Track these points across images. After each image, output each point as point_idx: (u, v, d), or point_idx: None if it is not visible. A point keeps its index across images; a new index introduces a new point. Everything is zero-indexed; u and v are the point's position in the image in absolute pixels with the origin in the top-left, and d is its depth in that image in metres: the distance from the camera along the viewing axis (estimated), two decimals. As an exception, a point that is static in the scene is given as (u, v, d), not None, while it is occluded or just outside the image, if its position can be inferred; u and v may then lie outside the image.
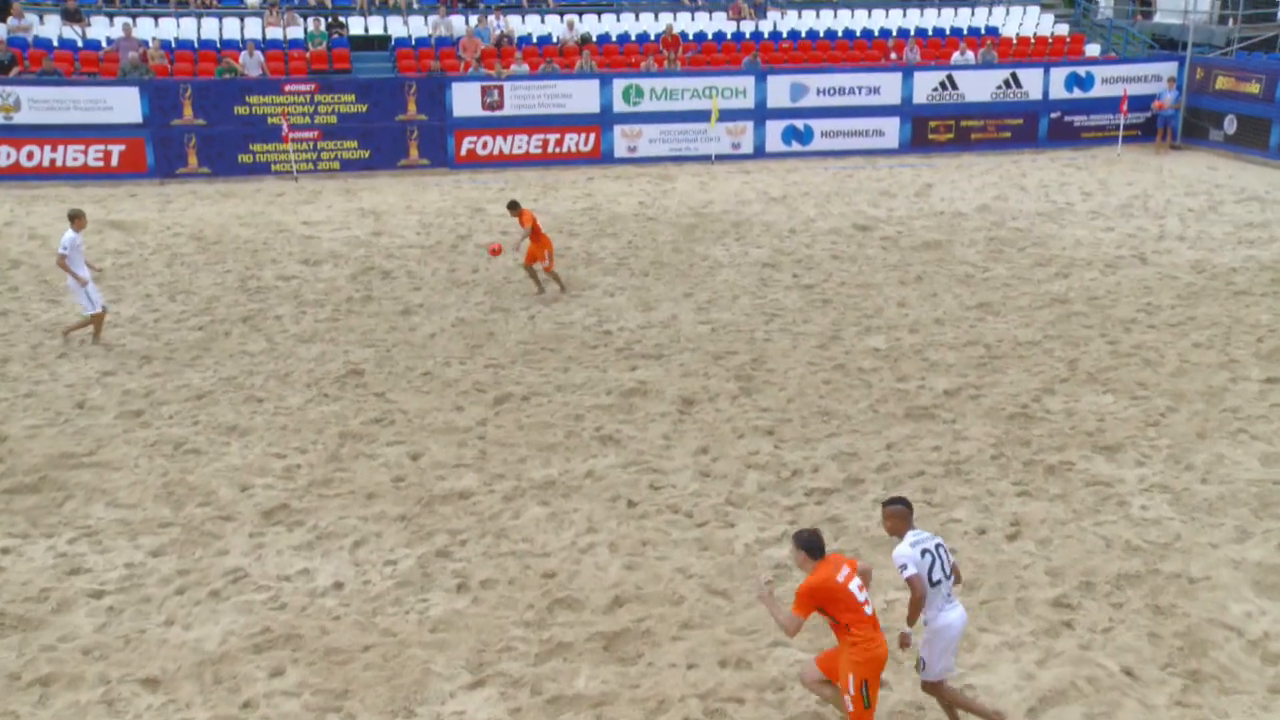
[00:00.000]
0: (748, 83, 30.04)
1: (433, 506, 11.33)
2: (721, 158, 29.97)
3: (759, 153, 30.29)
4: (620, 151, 29.65)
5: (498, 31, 31.33)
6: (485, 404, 13.94)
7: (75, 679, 8.64)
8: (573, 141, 29.41)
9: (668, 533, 10.82)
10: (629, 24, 33.39)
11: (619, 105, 29.42)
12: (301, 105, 27.72)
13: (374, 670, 8.75)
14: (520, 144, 29.14)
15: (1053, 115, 31.82)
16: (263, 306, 17.90)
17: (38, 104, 26.40)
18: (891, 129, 30.97)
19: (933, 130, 31.22)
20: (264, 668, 8.82)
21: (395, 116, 28.32)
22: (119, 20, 29.83)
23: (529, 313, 17.49)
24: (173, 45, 29.56)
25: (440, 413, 13.66)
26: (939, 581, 7.64)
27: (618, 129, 29.56)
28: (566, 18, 32.69)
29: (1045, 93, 31.66)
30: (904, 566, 7.60)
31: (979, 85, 31.35)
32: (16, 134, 26.42)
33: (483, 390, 14.37)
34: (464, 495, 11.58)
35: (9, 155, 26.48)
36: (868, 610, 7.41)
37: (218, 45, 30.18)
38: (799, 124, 30.48)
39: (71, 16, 29.71)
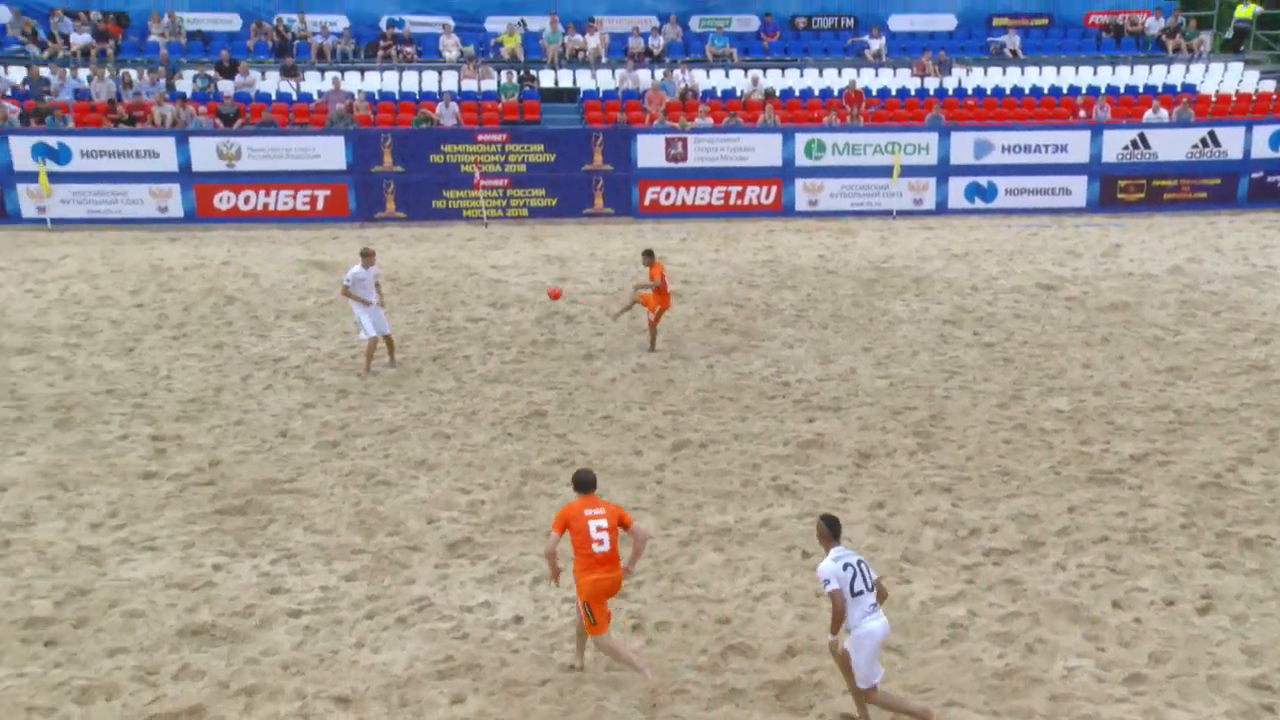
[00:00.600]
0: (931, 139, 29.83)
1: (611, 547, 11.51)
2: (903, 213, 29.77)
3: (941, 209, 29.99)
4: (801, 204, 29.73)
5: (683, 85, 31.82)
6: (664, 449, 14.11)
7: (275, 692, 9.06)
8: (754, 194, 29.63)
9: (842, 585, 10.76)
10: (812, 79, 33.52)
11: (801, 159, 29.54)
12: (493, 154, 28.62)
13: (550, 704, 8.92)
14: (702, 195, 29.48)
15: (1254, 175, 30.62)
16: (452, 346, 18.49)
17: (256, 152, 27.97)
18: (1079, 187, 30.29)
19: (1122, 189, 30.41)
20: (446, 694, 9.09)
21: (582, 166, 28.99)
22: (329, 75, 31.37)
23: (708, 361, 17.64)
24: (376, 97, 30.91)
25: (619, 456, 13.89)
26: (860, 592, 8.25)
27: (799, 182, 29.68)
28: (751, 73, 33.01)
29: (1246, 152, 30.51)
30: (826, 581, 8.27)
31: (1173, 144, 30.41)
32: (237, 180, 28.04)
33: (661, 436, 14.56)
34: (641, 538, 11.74)
35: (229, 199, 28.10)
36: (596, 549, 8.89)
37: (417, 97, 31.41)
38: (982, 181, 30.09)
39: (289, 72, 31.40)
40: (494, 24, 34.33)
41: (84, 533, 11.84)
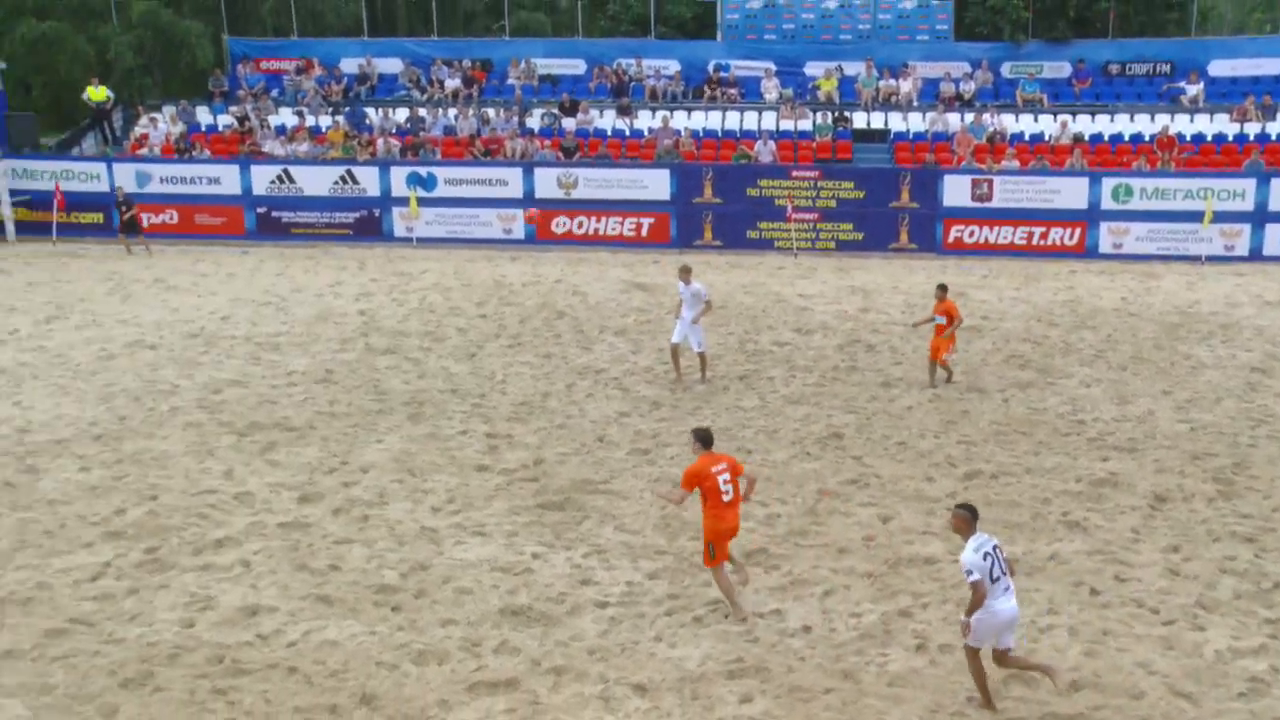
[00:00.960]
0: (1248, 185, 27.57)
1: (899, 568, 11.17)
2: (1212, 258, 27.65)
3: (1255, 255, 27.66)
4: (1105, 247, 28.12)
5: (991, 129, 30.77)
6: (955, 477, 13.59)
7: (581, 674, 9.26)
8: (1058, 235, 28.26)
9: (1131, 626, 10.03)
10: (1123, 125, 31.69)
11: (1107, 202, 27.95)
12: (805, 190, 28.54)
13: (833, 712, 8.72)
14: (1005, 235, 28.37)
15: None
16: (758, 368, 18.48)
17: (590, 182, 29.04)
18: None
19: None
20: (735, 693, 9.03)
21: (889, 203, 28.49)
22: (659, 113, 32.16)
23: (1003, 395, 16.90)
24: (700, 134, 31.44)
25: (912, 481, 13.48)
26: (997, 578, 8.40)
27: (1104, 225, 28.08)
28: (1060, 118, 31.56)
29: None
30: (970, 573, 8.36)
31: None
32: (573, 207, 29.18)
33: (954, 464, 14.03)
34: (929, 561, 11.32)
35: (564, 224, 29.28)
36: (725, 498, 9.91)
37: (738, 135, 31.74)
38: (1303, 227, 27.56)
39: (624, 111, 32.44)
40: (813, 69, 34.31)
41: (426, 515, 12.52)
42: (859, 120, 32.40)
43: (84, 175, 30.53)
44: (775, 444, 14.83)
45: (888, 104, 32.92)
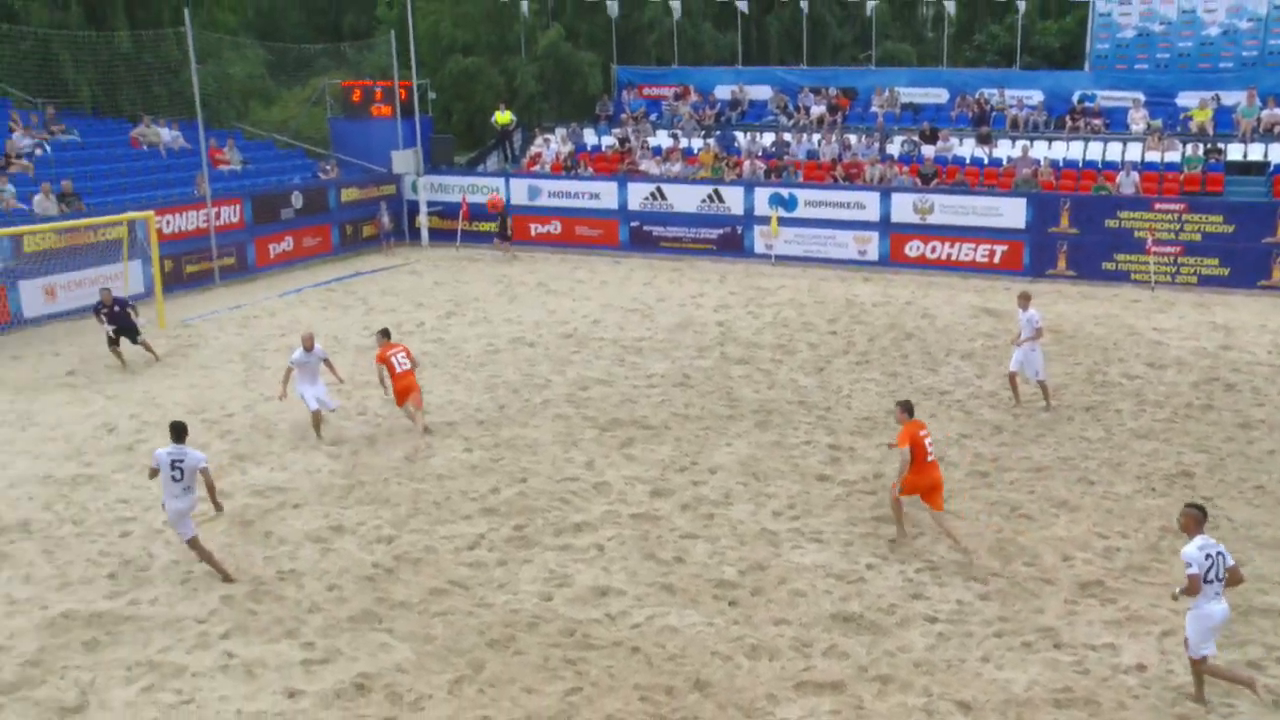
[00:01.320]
0: None
1: (1250, 617, 10.26)
2: None
3: None
4: None
5: (1391, 162, 27.39)
6: (1320, 530, 12.30)
7: (905, 685, 9.15)
8: None
9: None
10: None
11: None
12: (1168, 222, 26.54)
13: (1165, 757, 8.17)
14: (1399, 276, 25.20)
15: None
16: (1105, 399, 17.42)
17: (946, 208, 28.33)
18: None
19: None
20: (1061, 722, 8.64)
21: (1261, 239, 25.97)
22: (1019, 143, 30.93)
23: (1383, 448, 15.06)
24: (1060, 164, 29.92)
25: (1269, 528, 12.31)
26: (1211, 581, 8.55)
27: None
28: None
29: None
30: (1189, 565, 8.59)
31: None
32: (927, 231, 28.57)
33: (1319, 516, 12.70)
34: (1283, 615, 10.33)
35: (918, 248, 28.70)
36: (929, 457, 11.48)
37: (1099, 165, 29.96)
38: None
39: (983, 139, 31.43)
40: (1185, 99, 31.79)
41: (767, 518, 12.73)
42: (1234, 152, 29.69)
43: (485, 189, 33.15)
44: (1119, 477, 13.97)
45: (1270, 135, 30.00)
